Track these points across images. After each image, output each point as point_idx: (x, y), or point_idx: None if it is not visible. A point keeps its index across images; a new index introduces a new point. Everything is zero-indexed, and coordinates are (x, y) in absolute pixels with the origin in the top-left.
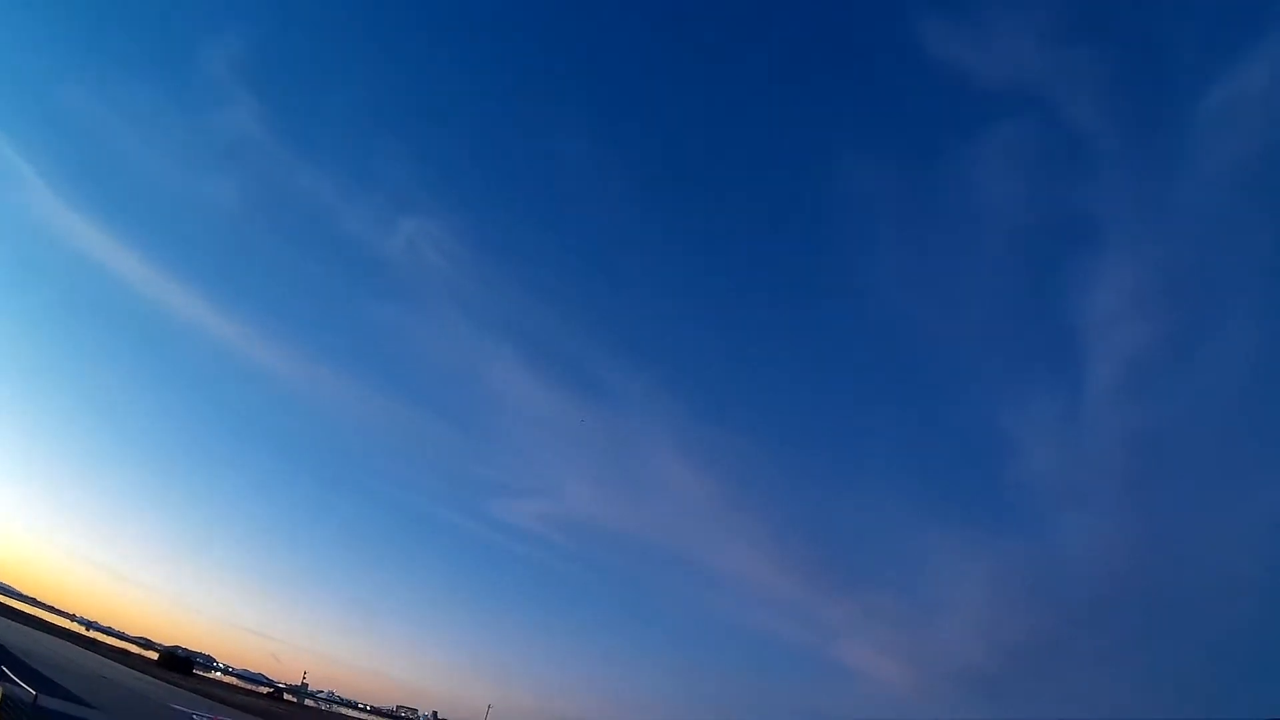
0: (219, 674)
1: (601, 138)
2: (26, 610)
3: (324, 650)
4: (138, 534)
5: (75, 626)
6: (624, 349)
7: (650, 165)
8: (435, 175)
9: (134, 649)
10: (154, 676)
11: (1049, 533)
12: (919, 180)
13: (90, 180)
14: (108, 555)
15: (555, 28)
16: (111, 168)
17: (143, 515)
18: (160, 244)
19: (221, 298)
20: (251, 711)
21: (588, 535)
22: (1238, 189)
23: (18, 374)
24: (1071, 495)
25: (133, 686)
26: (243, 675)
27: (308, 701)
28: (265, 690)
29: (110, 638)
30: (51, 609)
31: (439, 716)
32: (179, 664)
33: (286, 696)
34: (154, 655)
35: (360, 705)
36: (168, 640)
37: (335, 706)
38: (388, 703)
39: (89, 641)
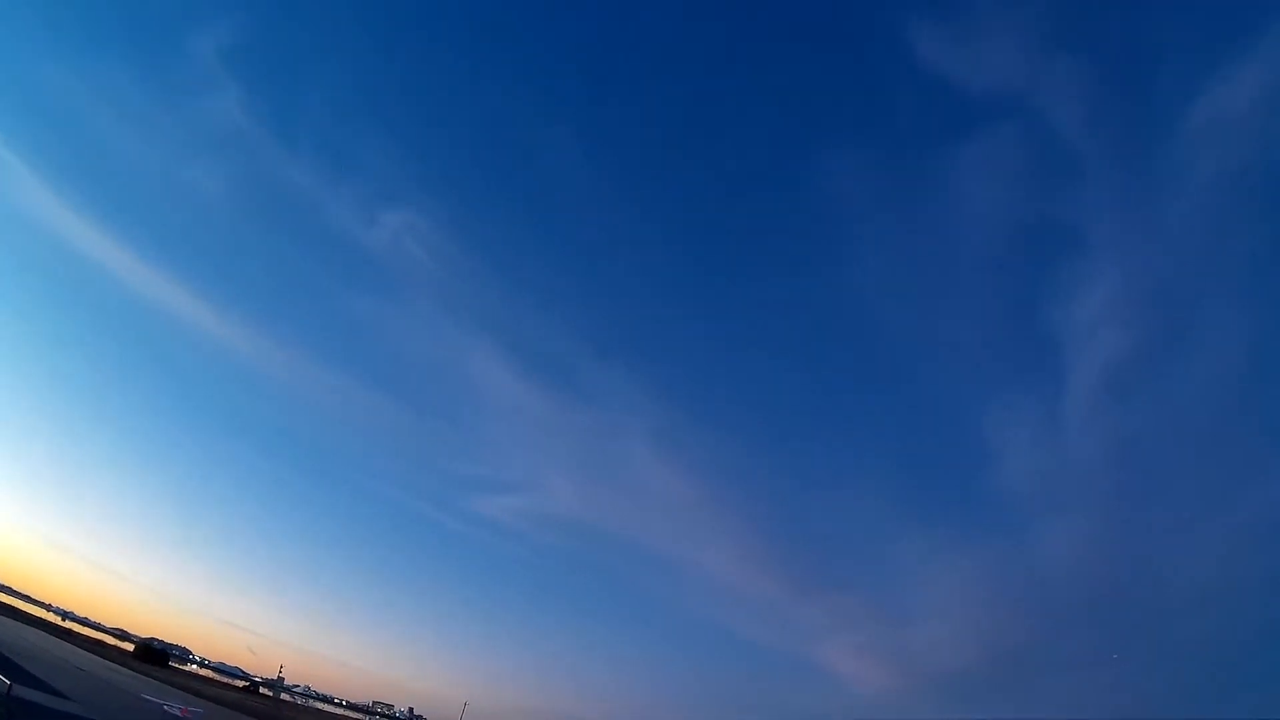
0: (195, 667)
1: (588, 135)
2: (2, 599)
3: (301, 644)
4: (115, 524)
5: (51, 617)
6: (605, 346)
7: (636, 164)
8: (420, 169)
9: (110, 640)
10: (130, 668)
11: (1028, 537)
12: (904, 184)
13: (72, 166)
14: (85, 545)
15: (544, 23)
16: (94, 154)
17: (122, 505)
18: (141, 231)
19: (202, 286)
20: (223, 704)
21: (566, 531)
22: (1220, 202)
23: None
24: (1050, 500)
25: (108, 678)
26: (219, 668)
27: (284, 696)
28: (241, 684)
29: (86, 628)
30: (27, 598)
31: (415, 713)
32: (155, 656)
33: (263, 690)
34: (130, 647)
35: (336, 700)
36: (144, 632)
37: (311, 701)
38: (364, 698)
39: (65, 632)
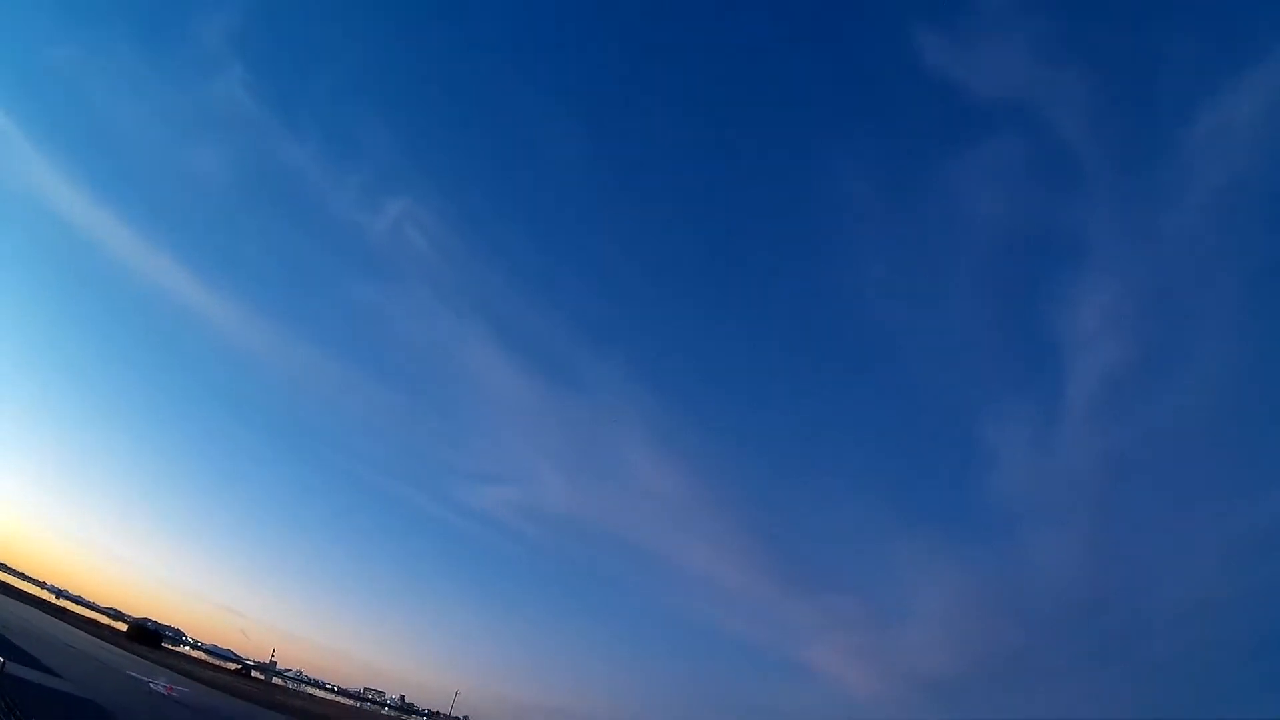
0: (188, 648)
1: (591, 128)
2: None
3: (294, 629)
4: (110, 503)
5: (45, 594)
6: (601, 341)
7: (638, 157)
8: (421, 157)
9: (104, 620)
10: (122, 648)
11: (1021, 542)
12: (906, 187)
13: (74, 140)
14: (79, 524)
15: (548, 14)
16: (96, 129)
17: (117, 486)
18: (139, 207)
19: (198, 265)
20: (216, 686)
21: (557, 523)
22: (1220, 214)
23: None
24: (1044, 507)
25: (101, 658)
26: (212, 651)
27: (275, 680)
28: (233, 666)
29: (80, 607)
30: (22, 575)
31: (406, 701)
32: (148, 637)
33: (254, 674)
34: (123, 627)
35: (328, 686)
36: (138, 612)
37: (303, 686)
38: (355, 684)
39: (59, 610)
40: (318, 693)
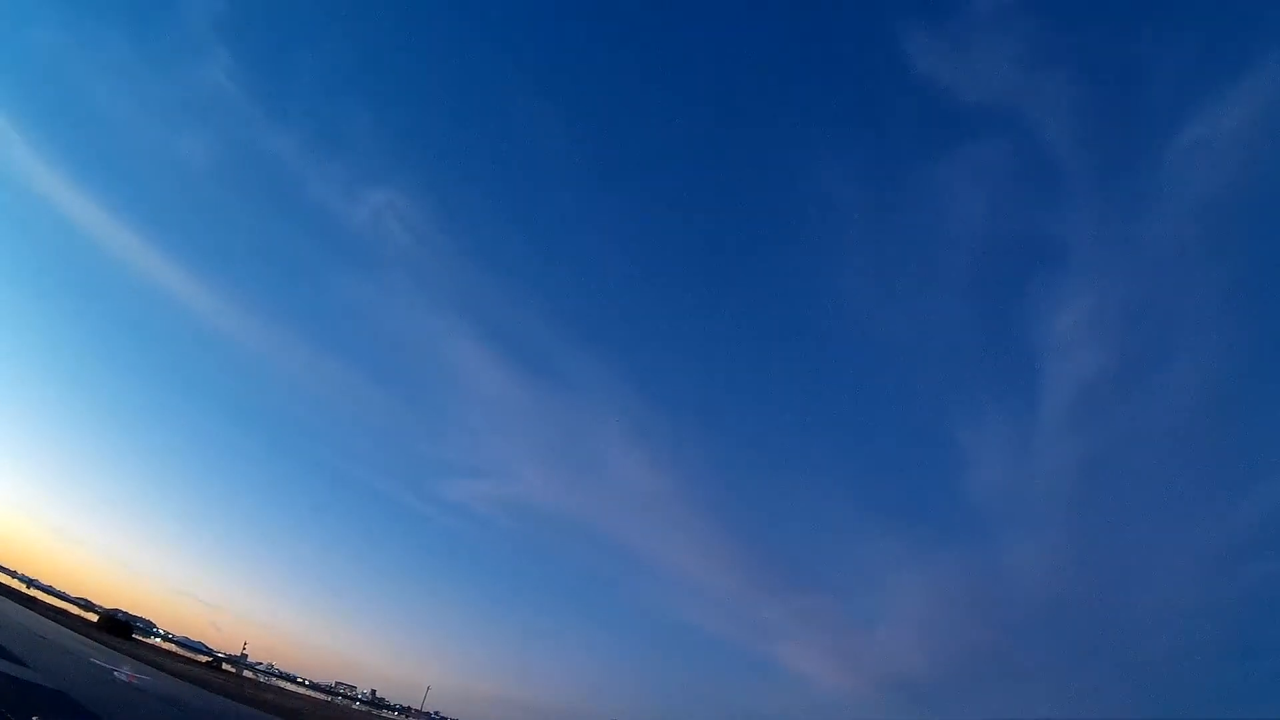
0: (158, 640)
1: (575, 125)
2: None
3: (266, 621)
4: (79, 490)
5: (15, 583)
6: (583, 337)
7: (622, 154)
8: (404, 148)
9: (74, 610)
10: (93, 639)
11: (996, 545)
12: (890, 190)
13: (56, 125)
14: (51, 512)
15: (533, 7)
16: (78, 112)
17: (87, 473)
18: (123, 194)
19: (178, 251)
20: (185, 679)
21: (535, 518)
22: (1202, 225)
23: None
24: (1020, 510)
25: (71, 648)
26: (183, 642)
27: (246, 673)
28: (204, 659)
29: (51, 597)
30: None
31: (377, 695)
32: (118, 627)
33: (225, 666)
34: (94, 617)
35: (299, 679)
36: (109, 602)
37: (274, 679)
38: (327, 678)
39: (28, 599)
40: (289, 686)
